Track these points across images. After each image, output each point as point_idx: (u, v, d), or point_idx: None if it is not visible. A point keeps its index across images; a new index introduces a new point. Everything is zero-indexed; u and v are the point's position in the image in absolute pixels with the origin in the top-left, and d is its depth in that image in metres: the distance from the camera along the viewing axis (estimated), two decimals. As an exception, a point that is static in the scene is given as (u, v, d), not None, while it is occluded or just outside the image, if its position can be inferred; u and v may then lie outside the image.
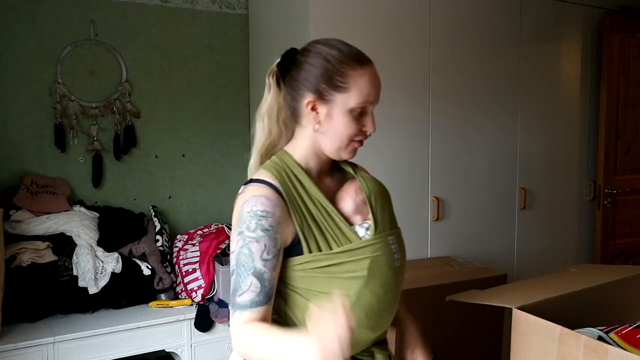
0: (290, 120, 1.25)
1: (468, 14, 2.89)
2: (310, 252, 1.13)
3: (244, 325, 1.07)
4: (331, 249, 1.14)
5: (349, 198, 1.23)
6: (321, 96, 1.16)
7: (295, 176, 1.18)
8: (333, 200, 1.22)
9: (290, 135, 1.26)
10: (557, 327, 1.39)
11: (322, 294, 1.12)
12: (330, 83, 1.15)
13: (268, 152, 1.26)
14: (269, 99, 1.27)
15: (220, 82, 3.00)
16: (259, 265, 1.08)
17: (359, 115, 1.17)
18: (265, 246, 1.09)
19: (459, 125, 2.90)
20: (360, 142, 1.20)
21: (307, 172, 1.20)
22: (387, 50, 2.60)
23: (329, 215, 1.17)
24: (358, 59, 1.17)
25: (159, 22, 2.83)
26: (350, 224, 1.19)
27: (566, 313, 1.61)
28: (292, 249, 1.14)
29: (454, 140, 2.89)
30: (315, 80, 1.16)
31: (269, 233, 1.09)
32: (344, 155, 1.21)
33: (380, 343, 1.27)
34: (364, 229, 1.19)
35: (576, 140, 3.43)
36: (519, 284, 2.02)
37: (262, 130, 1.26)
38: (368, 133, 1.20)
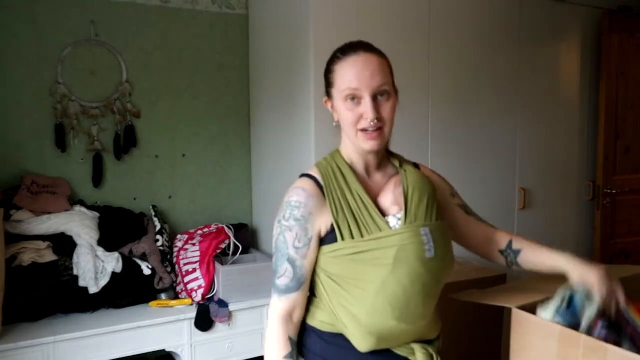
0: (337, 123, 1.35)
1: (468, 14, 2.89)
2: (343, 239, 1.21)
3: (277, 319, 1.24)
4: (362, 237, 1.21)
5: (389, 191, 1.30)
6: (328, 94, 1.30)
7: (340, 171, 1.29)
8: (379, 193, 1.30)
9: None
10: (557, 327, 1.39)
11: (353, 279, 1.19)
12: (327, 81, 1.29)
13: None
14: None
15: (220, 82, 3.01)
16: (292, 252, 1.22)
17: (354, 103, 1.22)
18: (296, 235, 1.21)
19: (459, 125, 2.91)
20: (368, 133, 1.23)
21: (351, 167, 1.30)
22: (387, 50, 2.58)
23: (365, 206, 1.24)
24: (343, 51, 1.26)
25: (159, 23, 2.83)
26: (386, 215, 1.25)
27: (566, 313, 1.61)
28: (328, 238, 1.23)
29: (453, 140, 2.89)
30: (325, 82, 1.31)
31: (300, 223, 1.22)
32: (363, 145, 1.26)
33: (426, 342, 1.28)
34: (396, 219, 1.24)
35: (576, 140, 3.43)
36: (519, 284, 2.02)
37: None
38: (369, 120, 1.21)
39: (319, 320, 1.28)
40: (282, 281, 1.23)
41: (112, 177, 2.77)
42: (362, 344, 1.22)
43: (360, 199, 1.25)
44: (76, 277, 2.34)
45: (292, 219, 1.22)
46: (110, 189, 2.77)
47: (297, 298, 1.24)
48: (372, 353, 1.23)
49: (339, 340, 1.25)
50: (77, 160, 2.69)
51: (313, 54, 2.44)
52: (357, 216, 1.23)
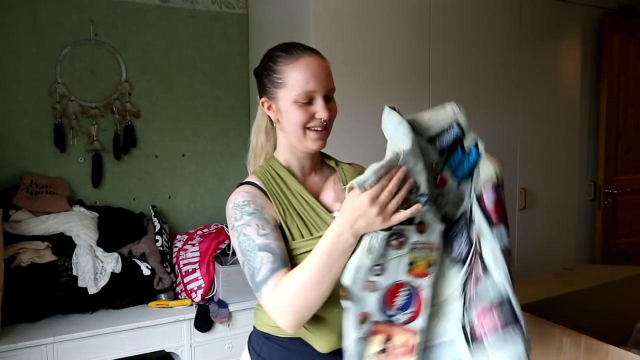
0: (270, 126, 1.33)
1: (468, 13, 2.89)
2: (293, 239, 1.18)
3: (273, 291, 1.08)
4: (312, 235, 1.20)
5: (329, 189, 1.29)
6: (269, 95, 1.25)
7: (279, 175, 1.27)
8: (319, 194, 1.29)
9: (275, 141, 1.34)
10: (557, 327, 1.38)
11: None
12: (270, 81, 1.23)
13: (259, 159, 1.36)
14: (257, 113, 1.36)
15: (220, 82, 3.00)
16: (260, 240, 1.12)
17: (306, 104, 1.20)
18: (257, 225, 1.15)
19: (459, 125, 2.90)
20: (319, 131, 1.23)
21: (289, 170, 1.28)
22: (387, 50, 2.59)
23: (310, 205, 1.24)
24: (292, 52, 1.22)
25: (159, 22, 2.83)
26: (331, 212, 1.24)
27: (566, 313, 1.61)
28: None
29: (454, 140, 2.89)
30: (263, 83, 1.26)
31: (256, 214, 1.16)
32: (310, 145, 1.24)
33: None
34: None
35: (576, 140, 3.42)
36: (519, 284, 2.01)
37: (254, 141, 1.36)
38: (322, 120, 1.21)
39: (273, 325, 1.22)
40: (264, 270, 1.09)
41: (112, 177, 2.77)
42: (324, 344, 1.19)
43: (303, 198, 1.25)
44: (75, 278, 2.33)
45: (245, 215, 1.16)
46: (109, 189, 2.76)
47: (286, 273, 1.11)
48: (335, 353, 1.19)
49: (297, 344, 1.22)
50: (77, 160, 2.68)
51: (313, 53, 2.43)
52: (303, 216, 1.22)
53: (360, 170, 1.30)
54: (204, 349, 2.45)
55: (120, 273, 2.41)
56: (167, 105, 2.85)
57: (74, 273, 2.34)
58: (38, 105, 2.59)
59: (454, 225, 1.07)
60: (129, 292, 2.45)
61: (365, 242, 1.01)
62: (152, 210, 2.75)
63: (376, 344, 1.02)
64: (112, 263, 2.41)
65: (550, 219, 3.31)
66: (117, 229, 2.55)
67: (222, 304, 2.47)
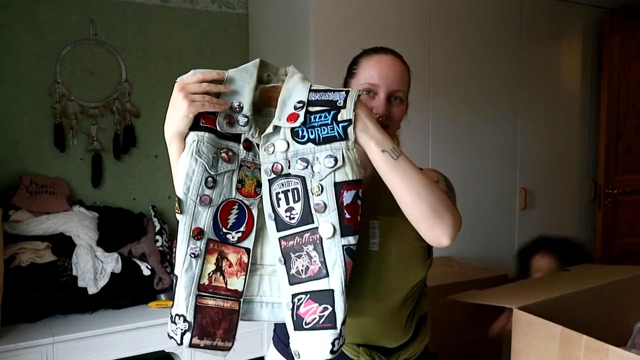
0: None
1: (468, 13, 2.89)
2: None
3: None
4: None
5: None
6: (345, 85, 1.30)
7: None
8: None
9: None
10: (558, 327, 1.38)
11: None
12: (349, 72, 1.31)
13: None
14: None
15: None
16: None
17: (368, 97, 1.23)
18: None
19: (459, 125, 2.90)
20: None
21: None
22: (387, 50, 2.59)
23: None
24: (372, 49, 1.30)
25: (159, 22, 2.83)
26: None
27: (566, 313, 1.61)
28: None
29: (454, 140, 2.89)
30: (345, 76, 1.33)
31: None
32: None
33: (379, 349, 1.24)
34: None
35: (577, 140, 3.42)
36: (519, 284, 2.01)
37: None
38: (377, 115, 1.22)
39: None
40: None
41: (111, 177, 2.76)
42: None
43: None
44: (75, 278, 2.33)
45: None
46: (109, 189, 2.76)
47: None
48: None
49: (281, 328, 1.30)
50: (76, 160, 2.68)
51: (313, 53, 2.43)
52: None
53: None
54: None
55: (120, 273, 2.41)
56: (167, 105, 2.83)
57: (74, 273, 2.33)
58: (38, 105, 2.59)
59: (287, 178, 1.04)
60: (128, 292, 2.45)
61: (192, 143, 1.06)
62: (152, 210, 2.75)
63: (212, 263, 1.06)
64: (112, 263, 2.41)
65: (550, 219, 3.31)
66: (117, 229, 2.55)
67: (222, 304, 2.46)
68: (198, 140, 1.05)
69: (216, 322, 1.07)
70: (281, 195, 1.04)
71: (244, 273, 1.07)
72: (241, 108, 1.05)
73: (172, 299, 1.12)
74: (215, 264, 1.06)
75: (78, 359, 2.21)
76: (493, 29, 2.99)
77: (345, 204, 1.01)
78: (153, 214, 2.73)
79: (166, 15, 2.84)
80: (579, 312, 1.68)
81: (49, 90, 2.60)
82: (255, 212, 1.07)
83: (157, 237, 2.60)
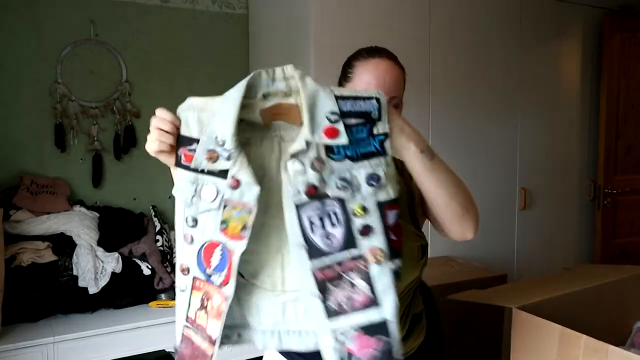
0: None
1: (468, 14, 2.89)
2: None
3: None
4: None
5: None
6: (340, 86, 1.29)
7: None
8: None
9: None
10: (557, 327, 1.39)
11: None
12: (344, 74, 1.30)
13: None
14: None
15: (220, 82, 3.00)
16: None
17: None
18: None
19: (459, 126, 2.90)
20: None
21: None
22: (387, 50, 2.59)
23: None
24: (367, 51, 1.28)
25: (159, 22, 2.83)
26: None
27: (566, 313, 1.61)
28: None
29: (454, 141, 2.89)
30: (340, 75, 1.32)
31: None
32: None
33: None
34: None
35: (576, 140, 3.42)
36: (519, 284, 2.02)
37: None
38: None
39: None
40: None
41: (112, 177, 2.77)
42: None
43: None
44: (76, 277, 2.33)
45: None
46: (109, 189, 2.76)
47: None
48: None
49: None
50: (77, 160, 2.69)
51: (313, 53, 2.44)
52: None
53: None
54: (204, 349, 2.45)
55: (120, 273, 2.41)
56: (168, 105, 2.80)
57: (75, 273, 2.34)
58: (38, 105, 2.59)
59: (322, 200, 0.93)
60: (129, 292, 2.45)
61: (175, 179, 1.01)
62: (152, 210, 2.75)
63: (198, 298, 0.99)
64: (112, 263, 2.41)
65: (550, 219, 3.32)
66: (117, 228, 2.55)
67: (222, 304, 2.47)
68: (179, 177, 1.00)
69: (193, 358, 1.01)
70: (316, 221, 0.93)
71: (220, 321, 0.97)
72: (223, 142, 0.95)
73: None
74: (200, 301, 0.99)
75: (79, 358, 2.21)
76: (493, 29, 2.99)
77: (389, 225, 0.94)
78: (153, 213, 2.73)
79: (167, 15, 2.84)
80: (578, 312, 1.69)
81: (50, 90, 2.61)
82: (236, 259, 0.95)
83: (158, 237, 2.61)
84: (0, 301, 2.12)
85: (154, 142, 1.03)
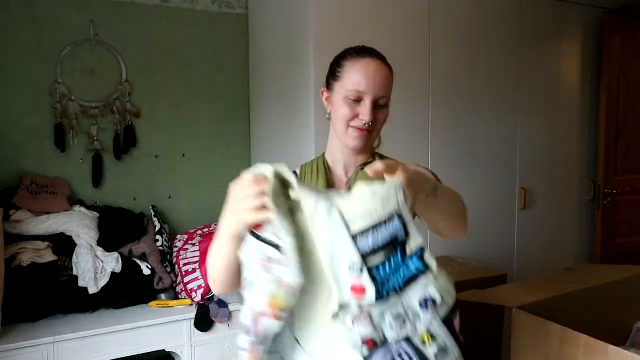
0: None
1: (468, 14, 2.89)
2: None
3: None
4: None
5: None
6: (328, 86, 1.32)
7: (317, 171, 1.32)
8: None
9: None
10: (557, 327, 1.39)
11: None
12: (332, 74, 1.30)
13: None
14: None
15: (220, 82, 3.00)
16: None
17: (354, 102, 1.24)
18: None
19: (459, 126, 2.90)
20: (360, 130, 1.25)
21: (330, 168, 1.33)
22: (387, 50, 2.58)
23: None
24: (356, 51, 1.29)
25: (159, 22, 2.83)
26: None
27: (566, 313, 1.61)
28: None
29: (453, 141, 2.89)
30: (328, 74, 1.33)
31: None
32: (350, 143, 1.27)
33: None
34: None
35: (576, 140, 3.42)
36: (519, 284, 2.02)
37: None
38: (364, 122, 1.24)
39: None
40: None
41: (112, 177, 2.77)
42: None
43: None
44: (76, 277, 2.33)
45: None
46: (109, 189, 2.76)
47: None
48: None
49: None
50: (77, 160, 2.69)
51: (313, 53, 2.44)
52: None
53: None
54: (204, 349, 2.45)
55: (120, 273, 2.41)
56: (167, 105, 2.85)
57: (75, 273, 2.34)
58: (38, 105, 2.59)
59: (386, 347, 0.87)
60: (129, 291, 2.45)
61: (245, 243, 0.96)
62: (152, 210, 2.75)
63: None
64: (112, 263, 2.41)
65: (550, 219, 3.32)
66: (117, 228, 2.56)
67: (223, 304, 2.47)
68: (246, 238, 0.96)
69: None
70: None
71: None
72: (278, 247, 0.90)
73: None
74: None
75: (79, 358, 2.21)
76: (493, 29, 2.99)
77: (458, 331, 0.90)
78: (153, 213, 2.73)
79: (166, 15, 2.84)
80: (578, 312, 1.69)
81: (50, 90, 2.61)
82: (269, 334, 0.93)
83: (158, 237, 2.61)
84: (0, 301, 2.12)
85: (252, 211, 0.93)
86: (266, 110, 2.92)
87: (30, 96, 2.58)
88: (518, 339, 1.54)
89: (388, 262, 0.85)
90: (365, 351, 0.85)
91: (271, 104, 2.85)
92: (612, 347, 1.25)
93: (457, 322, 0.89)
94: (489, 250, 3.03)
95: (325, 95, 1.33)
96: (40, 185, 2.52)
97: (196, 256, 2.57)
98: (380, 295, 0.84)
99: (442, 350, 0.87)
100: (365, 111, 1.23)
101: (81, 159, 2.69)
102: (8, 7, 2.51)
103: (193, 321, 2.42)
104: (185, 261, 2.58)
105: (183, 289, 2.54)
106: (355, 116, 1.24)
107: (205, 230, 2.74)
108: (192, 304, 2.49)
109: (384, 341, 0.85)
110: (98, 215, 2.60)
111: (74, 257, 2.37)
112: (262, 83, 2.96)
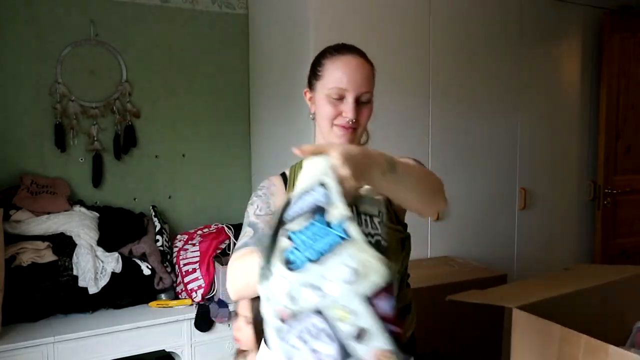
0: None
1: (468, 14, 2.89)
2: None
3: (234, 260, 1.11)
4: None
5: None
6: (310, 86, 1.32)
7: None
8: None
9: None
10: (557, 327, 1.39)
11: None
12: (313, 73, 1.30)
13: None
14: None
15: (220, 82, 3.00)
16: (252, 218, 1.22)
17: (337, 100, 1.24)
18: (257, 206, 1.24)
19: (459, 126, 2.90)
20: (344, 128, 1.25)
21: None
22: (387, 50, 2.59)
23: None
24: (336, 49, 1.28)
25: (159, 22, 2.83)
26: None
27: (566, 313, 1.61)
28: None
29: (453, 141, 2.89)
30: (310, 74, 1.32)
31: (261, 198, 1.26)
32: (334, 140, 1.27)
33: None
34: None
35: (576, 140, 3.42)
36: (519, 284, 2.02)
37: None
38: (347, 120, 1.23)
39: None
40: (241, 240, 1.17)
41: (112, 177, 2.77)
42: None
43: None
44: (76, 277, 2.33)
45: (254, 196, 1.28)
46: (109, 189, 2.76)
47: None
48: None
49: None
50: (77, 160, 2.69)
51: (313, 53, 2.42)
52: None
53: None
54: (204, 349, 2.45)
55: (120, 273, 2.41)
56: (168, 105, 2.85)
57: (75, 273, 2.34)
58: (38, 105, 2.59)
59: (295, 319, 0.82)
60: (129, 291, 2.45)
61: None
62: (152, 210, 2.75)
63: None
64: (112, 263, 2.41)
65: (550, 219, 3.32)
66: (117, 228, 2.56)
67: (223, 304, 2.47)
68: None
69: None
70: (299, 344, 0.81)
71: None
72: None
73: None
74: None
75: (79, 358, 2.21)
76: (493, 28, 2.99)
77: (385, 316, 0.78)
78: (153, 213, 2.73)
79: (166, 15, 2.84)
80: (578, 312, 1.69)
81: (50, 90, 2.61)
82: None
83: (158, 236, 2.61)
84: (0, 301, 2.12)
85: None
86: (266, 110, 2.92)
87: (30, 96, 2.58)
88: (518, 339, 1.54)
89: (307, 229, 0.82)
90: (278, 323, 0.82)
91: (271, 104, 2.85)
92: (612, 347, 1.25)
93: (382, 305, 0.78)
94: (489, 250, 3.03)
95: (308, 95, 1.33)
96: (40, 185, 2.52)
97: (196, 256, 2.57)
98: (294, 263, 0.81)
99: (363, 331, 0.77)
100: (348, 108, 1.23)
101: (81, 159, 2.69)
102: (8, 7, 2.51)
103: (193, 321, 2.42)
104: (185, 261, 2.58)
105: (183, 289, 2.54)
106: (339, 114, 1.24)
107: (205, 230, 2.74)
108: (192, 304, 2.49)
109: (296, 313, 0.80)
110: (98, 215, 2.60)
111: (74, 257, 2.37)
112: (262, 83, 2.96)
